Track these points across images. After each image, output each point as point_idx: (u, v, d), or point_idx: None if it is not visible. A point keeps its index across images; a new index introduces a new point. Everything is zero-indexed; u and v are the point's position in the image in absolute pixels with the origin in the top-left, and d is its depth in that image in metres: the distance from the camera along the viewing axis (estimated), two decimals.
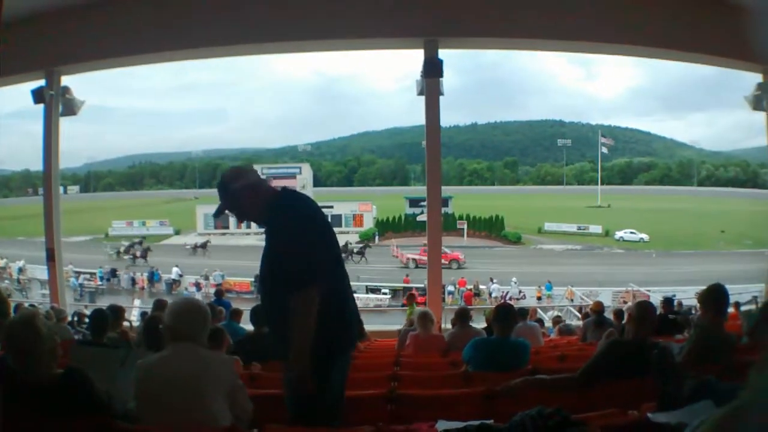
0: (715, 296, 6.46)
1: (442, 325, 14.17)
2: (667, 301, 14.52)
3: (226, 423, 4.10)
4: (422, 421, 4.06)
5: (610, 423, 3.80)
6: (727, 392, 2.47)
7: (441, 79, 16.04)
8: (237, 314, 11.96)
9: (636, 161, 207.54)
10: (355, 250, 61.61)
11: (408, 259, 61.58)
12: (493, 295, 44.48)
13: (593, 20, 16.48)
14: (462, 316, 10.26)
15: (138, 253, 61.11)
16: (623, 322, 9.91)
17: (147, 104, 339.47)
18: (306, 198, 4.71)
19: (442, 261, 54.02)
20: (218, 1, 15.75)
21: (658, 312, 14.72)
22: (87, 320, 11.41)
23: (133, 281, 50.59)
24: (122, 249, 62.66)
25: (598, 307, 13.55)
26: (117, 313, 10.19)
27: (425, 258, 56.83)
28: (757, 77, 18.57)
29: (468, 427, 3.54)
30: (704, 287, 6.74)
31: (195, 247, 67.70)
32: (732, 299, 23.25)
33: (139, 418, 4.24)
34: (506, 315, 7.53)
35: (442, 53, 16.49)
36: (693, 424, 1.96)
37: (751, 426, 1.69)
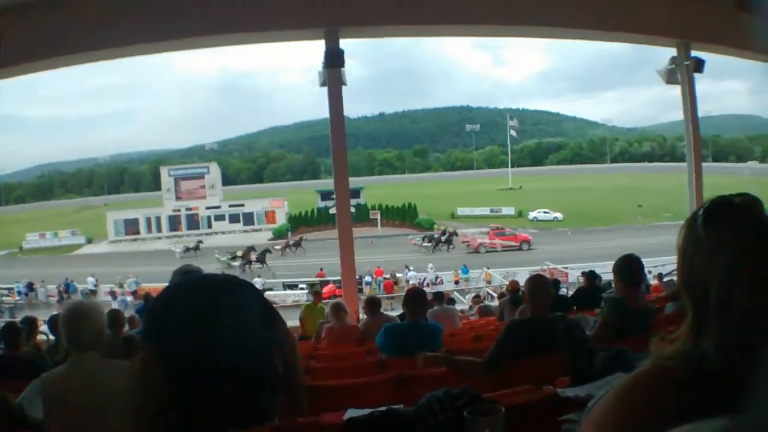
0: (625, 267, 6.33)
1: (360, 316, 14.07)
2: (591, 274, 14.51)
3: None
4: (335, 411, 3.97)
5: (522, 400, 3.74)
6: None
7: (343, 69, 15.90)
8: None
9: (546, 142, 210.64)
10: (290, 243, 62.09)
11: (479, 244, 62.24)
12: (410, 282, 44.52)
13: (500, 3, 16.45)
14: (372, 304, 10.22)
15: (253, 257, 59.10)
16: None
17: (52, 111, 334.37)
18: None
19: (512, 243, 59.32)
20: (118, 3, 15.47)
21: (579, 287, 14.86)
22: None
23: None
24: (239, 254, 60.55)
25: (514, 287, 13.71)
26: (31, 325, 9.91)
27: (495, 241, 60.05)
28: (671, 51, 18.88)
29: (374, 413, 3.46)
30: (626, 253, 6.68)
31: (188, 249, 67.10)
32: (656, 271, 23.58)
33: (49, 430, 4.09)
34: (415, 299, 7.49)
35: (349, 43, 16.40)
36: (598, 394, 1.92)
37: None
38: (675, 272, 1.98)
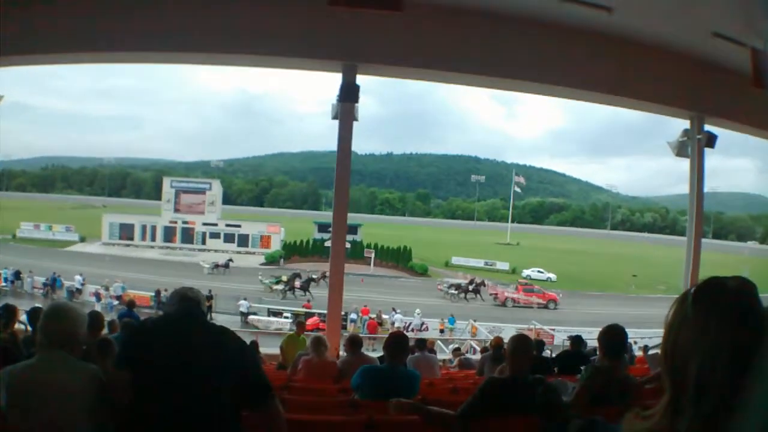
0: (609, 336, 6.30)
1: (340, 352, 13.99)
2: (577, 339, 14.44)
3: None
4: None
5: None
6: None
7: (357, 104, 15.92)
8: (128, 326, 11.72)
9: (548, 201, 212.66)
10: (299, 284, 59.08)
11: (506, 297, 61.88)
12: (396, 324, 44.26)
13: (518, 58, 16.49)
14: (354, 343, 10.11)
15: (298, 284, 57.98)
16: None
17: (65, 105, 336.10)
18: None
19: (539, 300, 58.40)
20: (143, 8, 15.45)
21: (564, 350, 14.77)
22: None
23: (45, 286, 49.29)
24: (284, 278, 59.53)
25: (498, 342, 13.53)
26: (10, 313, 9.79)
27: (526, 297, 59.56)
28: (684, 123, 18.92)
29: None
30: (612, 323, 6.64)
31: (217, 266, 66.75)
32: (642, 342, 23.49)
33: (10, 420, 4.11)
34: (396, 344, 7.43)
35: (367, 80, 16.45)
36: None
37: None
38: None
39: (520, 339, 6.05)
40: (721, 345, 1.59)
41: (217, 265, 66.65)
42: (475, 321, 44.89)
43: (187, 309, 4.15)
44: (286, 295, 55.72)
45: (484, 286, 64.45)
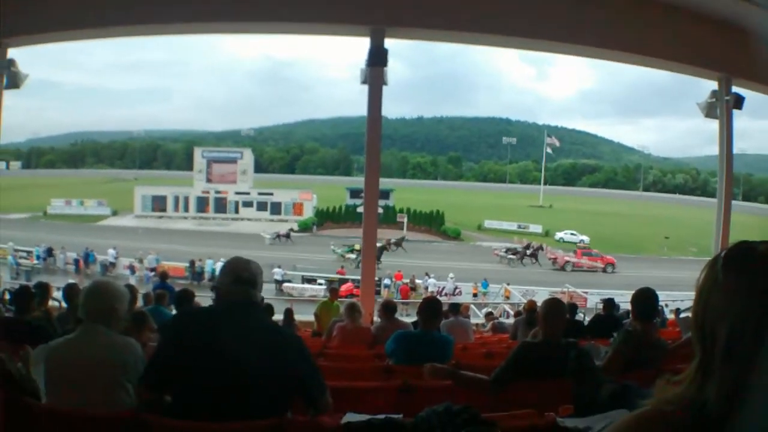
0: (641, 300, 6.30)
1: (375, 318, 14.01)
2: (610, 303, 14.41)
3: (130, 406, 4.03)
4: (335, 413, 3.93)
5: (521, 424, 3.69)
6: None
7: (385, 68, 15.90)
8: (161, 298, 11.73)
9: (581, 163, 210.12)
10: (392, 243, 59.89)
11: (566, 261, 61.71)
12: (429, 289, 44.43)
13: (547, 18, 16.47)
14: (388, 309, 10.17)
15: (392, 247, 59.06)
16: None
17: (91, 80, 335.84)
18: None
19: (599, 264, 58.71)
20: None
21: (598, 313, 14.74)
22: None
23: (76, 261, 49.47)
24: (357, 247, 56.23)
25: (532, 306, 13.47)
26: (44, 291, 9.82)
27: (583, 261, 59.49)
28: (712, 84, 18.83)
29: (372, 420, 3.43)
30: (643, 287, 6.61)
31: (278, 236, 66.41)
32: (674, 305, 23.36)
33: (47, 397, 4.16)
34: (429, 309, 7.44)
35: (395, 44, 16.37)
36: (596, 429, 1.91)
37: None
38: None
39: (552, 303, 6.08)
40: (750, 309, 1.58)
41: (278, 235, 66.47)
42: (509, 284, 44.69)
43: (241, 296, 3.96)
44: (359, 264, 54.95)
45: (542, 250, 64.57)
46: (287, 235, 66.98)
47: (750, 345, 1.56)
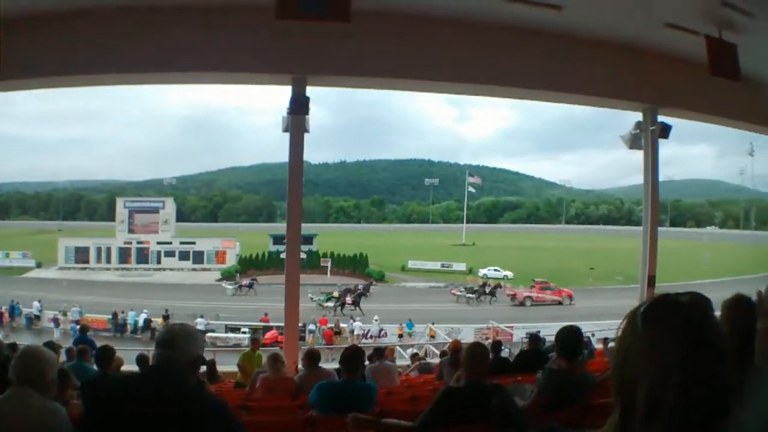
0: (564, 339, 6.38)
1: (299, 366, 13.93)
2: (534, 337, 14.44)
3: None
4: None
5: None
6: None
7: (307, 116, 15.84)
8: (84, 353, 11.51)
9: (503, 200, 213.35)
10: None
11: (525, 297, 63.39)
12: (355, 333, 44.85)
13: (469, 62, 16.52)
14: (311, 358, 10.08)
15: (349, 300, 58.01)
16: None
17: (14, 130, 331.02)
18: None
19: (557, 297, 60.48)
20: (87, 30, 15.26)
21: (522, 349, 14.80)
22: None
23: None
24: (335, 294, 59.17)
25: (456, 346, 13.55)
26: None
27: (542, 295, 60.90)
28: (633, 115, 19.10)
29: None
30: (566, 324, 6.67)
31: (240, 286, 65.98)
32: (601, 335, 23.57)
33: None
34: (351, 358, 7.51)
35: (318, 89, 16.40)
36: None
37: None
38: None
39: (474, 348, 6.08)
40: (672, 364, 1.56)
41: (240, 286, 66.21)
42: (434, 324, 44.92)
43: (159, 360, 3.81)
44: (337, 311, 55.41)
45: (500, 287, 66.31)
46: (250, 285, 66.25)
47: (674, 399, 1.53)
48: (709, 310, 1.67)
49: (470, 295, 64.13)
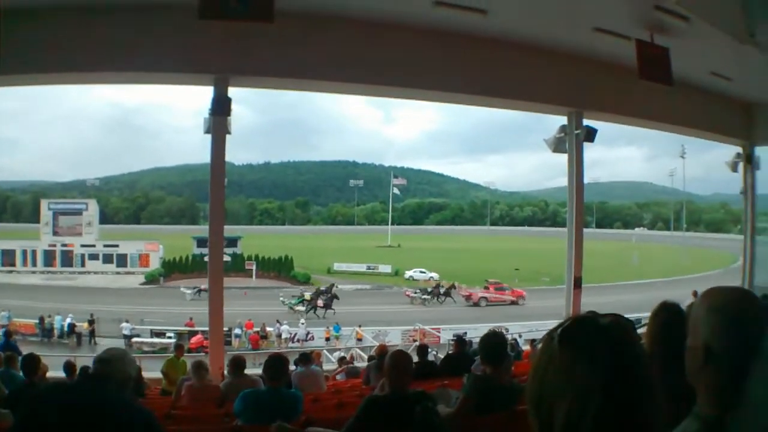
0: (487, 345, 6.37)
1: (225, 372, 13.80)
2: (459, 340, 14.48)
3: None
4: None
5: None
6: None
7: (229, 117, 15.55)
8: (11, 360, 11.23)
9: (427, 202, 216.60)
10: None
11: (480, 297, 64.53)
12: (283, 336, 44.80)
13: (393, 64, 16.48)
14: (236, 365, 10.05)
15: (321, 303, 58.09)
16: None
17: None
18: None
19: (510, 297, 62.33)
20: (6, 29, 14.97)
21: (449, 352, 14.81)
22: None
23: None
24: (306, 297, 59.40)
25: (383, 350, 13.49)
26: None
27: (497, 295, 62.64)
28: (562, 119, 19.12)
29: None
30: (494, 325, 6.69)
31: (200, 291, 63.46)
32: (530, 335, 23.67)
33: None
34: (274, 366, 7.45)
35: (242, 90, 16.24)
36: None
37: None
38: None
39: (397, 356, 6.07)
40: (590, 387, 1.55)
41: (200, 290, 63.93)
42: (361, 326, 45.03)
43: (94, 371, 3.83)
44: (308, 314, 55.51)
45: (455, 288, 67.68)
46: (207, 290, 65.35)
47: (593, 422, 1.53)
48: (631, 334, 1.67)
49: (426, 297, 65.15)
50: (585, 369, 1.56)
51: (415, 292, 66.78)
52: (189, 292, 65.04)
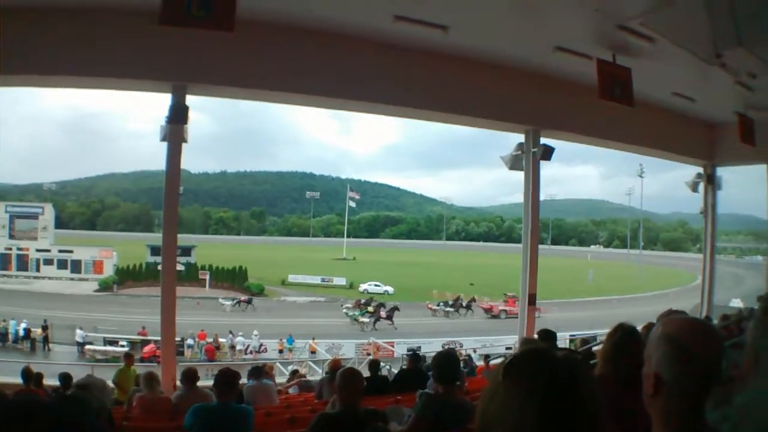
0: (440, 364, 6.38)
1: (178, 383, 13.70)
2: (413, 356, 14.41)
3: None
4: None
5: None
6: None
7: (186, 126, 15.46)
8: None
9: (383, 215, 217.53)
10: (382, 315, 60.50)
11: (500, 310, 67.64)
12: (237, 348, 44.65)
13: (353, 78, 16.58)
14: (188, 377, 9.94)
15: (383, 314, 60.40)
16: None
17: None
18: None
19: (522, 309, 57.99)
20: None
21: (403, 367, 14.78)
22: None
23: None
24: (370, 309, 61.06)
25: (336, 365, 13.52)
26: None
27: (515, 309, 61.65)
28: (519, 137, 19.23)
29: None
30: (448, 340, 6.69)
31: (239, 302, 66.16)
32: (484, 351, 23.69)
33: None
34: (224, 381, 7.41)
35: (202, 98, 16.15)
36: None
37: None
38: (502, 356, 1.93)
39: (347, 374, 6.11)
40: (526, 418, 1.57)
41: (238, 302, 66.25)
42: (314, 339, 45.13)
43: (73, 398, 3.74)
44: (374, 326, 57.33)
45: (475, 301, 71.21)
46: (248, 301, 67.08)
47: None
48: (578, 372, 1.66)
49: (450, 309, 68.27)
50: (521, 403, 1.58)
51: (438, 305, 69.08)
52: (228, 303, 65.78)
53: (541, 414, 1.54)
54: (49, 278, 77.04)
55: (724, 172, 23.58)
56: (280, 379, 20.81)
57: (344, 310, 60.84)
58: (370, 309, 60.16)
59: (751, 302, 21.69)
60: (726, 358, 2.26)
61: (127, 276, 78.36)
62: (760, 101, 18.01)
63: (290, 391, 16.35)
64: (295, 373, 22.00)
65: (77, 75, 15.44)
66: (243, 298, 67.87)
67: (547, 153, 18.89)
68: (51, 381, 13.54)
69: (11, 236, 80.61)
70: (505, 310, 67.46)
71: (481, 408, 1.69)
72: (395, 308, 60.02)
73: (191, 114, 15.47)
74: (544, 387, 1.57)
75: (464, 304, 69.70)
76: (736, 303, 28.17)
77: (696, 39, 12.79)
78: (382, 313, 59.80)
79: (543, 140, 19.02)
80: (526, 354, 1.70)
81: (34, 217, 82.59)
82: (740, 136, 18.20)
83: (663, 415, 2.23)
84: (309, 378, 20.22)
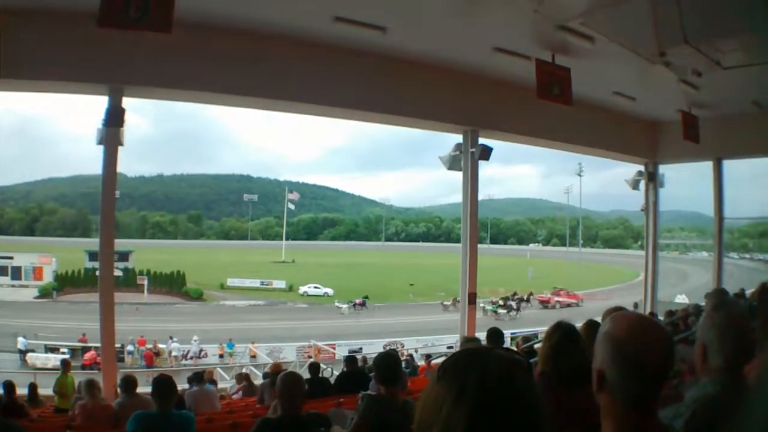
0: (381, 366, 6.32)
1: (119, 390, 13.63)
2: (350, 359, 14.33)
3: None
4: None
5: None
6: None
7: (122, 129, 15.38)
8: None
9: (322, 217, 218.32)
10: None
11: (555, 301, 79.05)
12: (174, 354, 44.29)
13: (290, 79, 16.55)
14: (128, 384, 9.83)
15: (514, 305, 69.87)
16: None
17: None
18: None
19: (574, 300, 76.70)
20: None
21: (342, 371, 14.79)
22: None
23: None
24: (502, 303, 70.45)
25: (277, 369, 13.53)
26: None
27: (566, 299, 78.60)
28: (458, 137, 19.36)
29: None
30: (389, 340, 6.69)
31: (354, 305, 68.37)
32: (427, 350, 23.72)
33: None
34: (162, 388, 7.36)
35: (140, 101, 16.06)
36: None
37: None
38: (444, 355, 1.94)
39: (288, 378, 6.08)
40: (455, 422, 1.55)
41: (355, 304, 68.38)
42: (255, 343, 45.26)
43: None
44: (514, 316, 64.28)
45: (533, 295, 79.74)
46: (363, 304, 69.40)
47: None
48: (516, 373, 1.63)
49: (511, 304, 71.44)
50: (451, 406, 1.56)
51: (491, 305, 69.61)
52: (345, 306, 67.53)
53: (472, 414, 1.53)
54: None
55: (667, 170, 23.86)
56: (223, 385, 20.98)
57: (482, 305, 61.75)
58: (501, 302, 70.12)
59: (696, 298, 21.92)
60: (675, 354, 2.27)
61: (66, 282, 77.67)
62: (705, 99, 18.29)
63: (234, 396, 16.40)
64: (240, 376, 21.96)
65: (12, 78, 15.23)
66: (358, 300, 69.91)
67: (486, 153, 19.02)
68: None
69: None
70: (558, 301, 78.56)
71: (418, 409, 1.68)
72: (521, 299, 73.21)
73: (128, 116, 15.33)
74: (474, 387, 1.56)
75: (525, 297, 76.81)
76: (681, 299, 28.53)
77: (639, 38, 12.91)
78: (513, 305, 69.63)
79: (482, 140, 19.19)
80: (458, 355, 1.69)
81: None
82: (683, 133, 18.43)
83: (608, 410, 2.25)
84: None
